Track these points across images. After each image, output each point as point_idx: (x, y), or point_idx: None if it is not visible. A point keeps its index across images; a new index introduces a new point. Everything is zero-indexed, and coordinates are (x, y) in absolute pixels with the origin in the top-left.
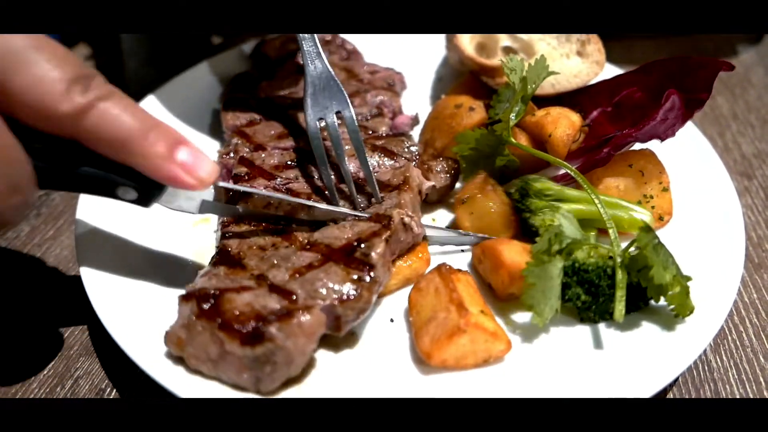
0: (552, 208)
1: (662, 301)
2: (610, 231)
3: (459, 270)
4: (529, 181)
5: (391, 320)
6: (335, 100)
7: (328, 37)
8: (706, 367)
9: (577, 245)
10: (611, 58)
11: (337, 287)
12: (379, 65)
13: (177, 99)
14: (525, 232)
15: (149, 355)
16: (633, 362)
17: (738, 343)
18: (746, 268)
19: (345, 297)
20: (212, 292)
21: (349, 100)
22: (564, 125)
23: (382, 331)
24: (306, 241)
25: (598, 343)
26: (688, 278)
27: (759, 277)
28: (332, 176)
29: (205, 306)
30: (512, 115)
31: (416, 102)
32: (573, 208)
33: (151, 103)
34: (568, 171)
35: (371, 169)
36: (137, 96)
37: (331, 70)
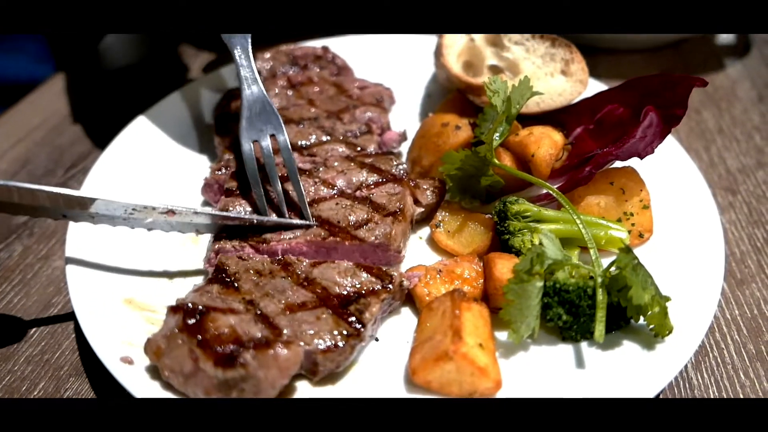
0: (530, 229)
1: (642, 321)
2: (591, 251)
3: (474, 300)
4: (507, 203)
5: (376, 339)
6: (270, 124)
7: (319, 52)
8: (687, 384)
9: (558, 265)
10: (599, 73)
11: (323, 335)
12: (368, 81)
13: (171, 115)
14: (506, 251)
15: (137, 376)
16: (613, 381)
17: (719, 360)
18: (729, 283)
19: (328, 347)
20: (200, 308)
21: (283, 125)
22: (547, 145)
23: (367, 349)
24: (304, 276)
25: (579, 362)
26: (667, 299)
27: (741, 293)
28: (263, 195)
29: (190, 321)
30: (496, 136)
31: (405, 118)
32: (552, 228)
33: (146, 119)
34: (550, 191)
35: (362, 186)
36: (131, 111)
37: (266, 95)
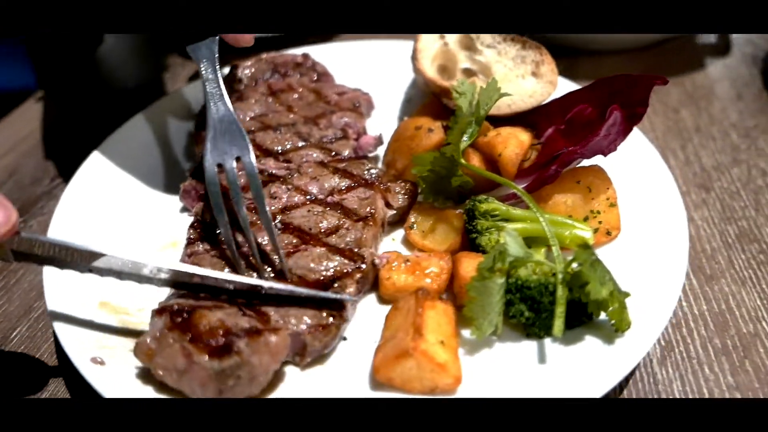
0: (498, 228)
1: (604, 316)
2: (553, 248)
3: (440, 299)
4: (476, 202)
5: (344, 338)
6: (236, 145)
7: (299, 59)
8: (651, 379)
9: (520, 263)
10: (579, 74)
11: (308, 318)
12: (347, 87)
13: (155, 123)
14: (475, 250)
15: (107, 376)
16: (573, 375)
17: (684, 354)
18: (698, 279)
19: (314, 328)
20: (186, 308)
21: (250, 146)
22: (513, 145)
23: (337, 348)
24: (279, 269)
25: (542, 358)
26: (626, 294)
27: (710, 289)
28: (227, 223)
29: (178, 320)
30: (465, 137)
31: (385, 123)
32: (519, 226)
33: (131, 127)
34: (515, 190)
35: (334, 192)
36: (118, 119)
37: (233, 113)
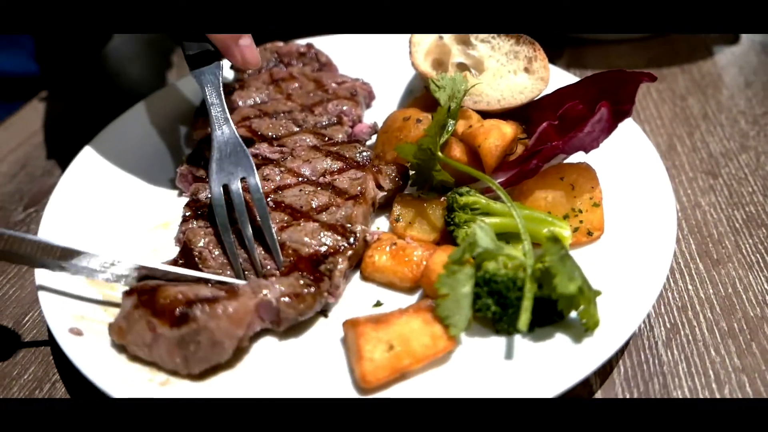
0: (476, 222)
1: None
2: (524, 243)
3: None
4: (456, 195)
5: (325, 316)
6: (241, 166)
7: (303, 49)
8: (657, 361)
9: (489, 255)
10: (586, 64)
11: (283, 287)
12: (348, 77)
13: (157, 112)
14: (455, 244)
15: (82, 347)
16: (536, 372)
17: (690, 337)
18: (704, 264)
19: (289, 296)
20: (152, 287)
21: (254, 167)
22: (494, 136)
23: (319, 328)
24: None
25: (509, 354)
26: (597, 292)
27: (716, 273)
28: (233, 243)
29: (144, 298)
30: (449, 129)
31: (386, 114)
32: (495, 221)
33: (139, 111)
34: (489, 183)
35: (326, 173)
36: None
37: (238, 136)
